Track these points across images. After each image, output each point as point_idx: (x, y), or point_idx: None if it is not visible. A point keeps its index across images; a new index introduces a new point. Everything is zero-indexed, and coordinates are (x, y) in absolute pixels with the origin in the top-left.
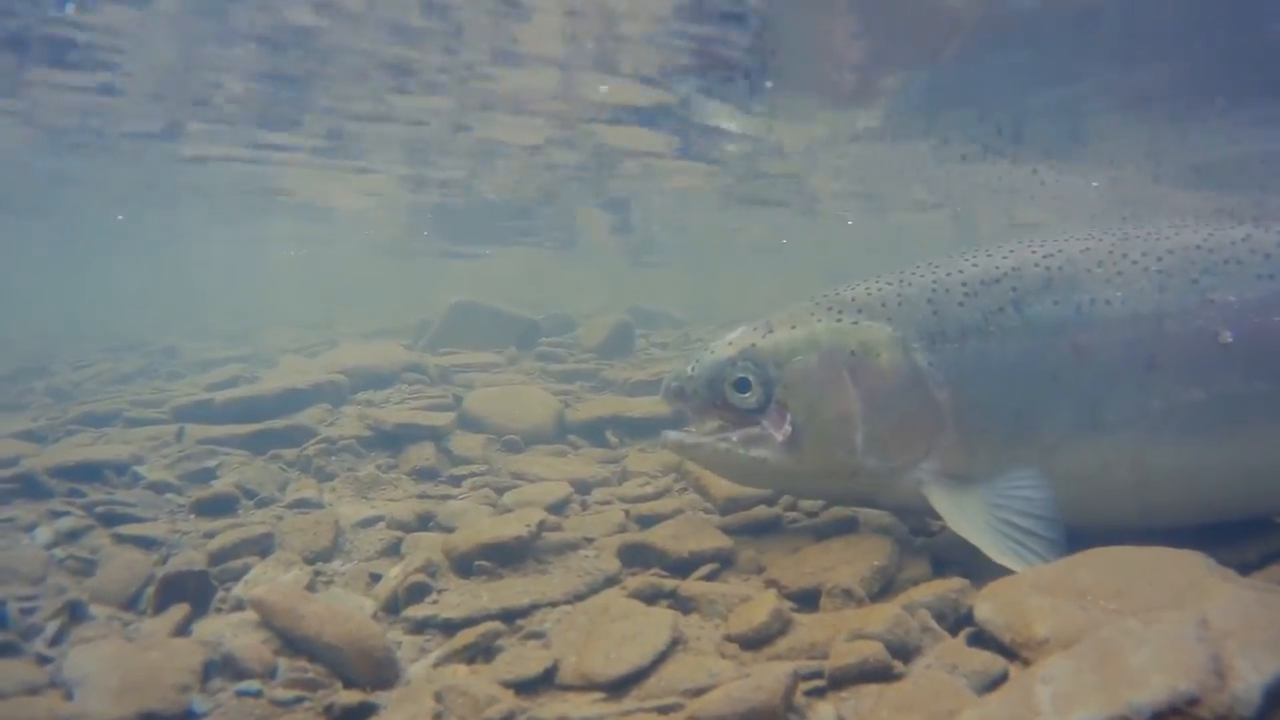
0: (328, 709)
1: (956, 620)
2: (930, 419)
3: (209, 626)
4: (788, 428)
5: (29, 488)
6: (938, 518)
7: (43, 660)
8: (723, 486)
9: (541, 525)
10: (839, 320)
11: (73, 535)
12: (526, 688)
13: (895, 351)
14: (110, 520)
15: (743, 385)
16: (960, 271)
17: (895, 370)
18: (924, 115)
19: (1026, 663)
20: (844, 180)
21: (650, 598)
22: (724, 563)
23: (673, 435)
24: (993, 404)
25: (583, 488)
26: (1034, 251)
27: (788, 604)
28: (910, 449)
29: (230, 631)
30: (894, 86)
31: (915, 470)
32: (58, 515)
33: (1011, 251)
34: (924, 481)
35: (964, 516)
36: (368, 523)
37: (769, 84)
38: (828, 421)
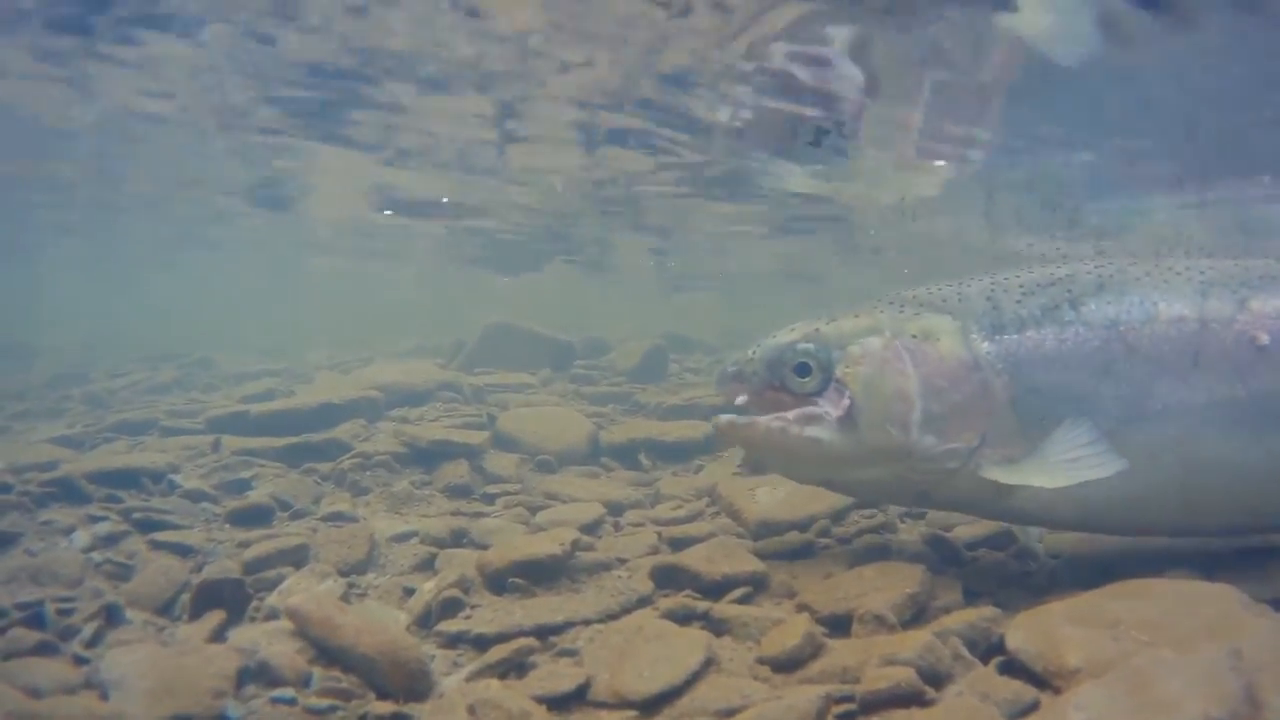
0: (361, 719)
1: (988, 648)
2: (987, 404)
3: (244, 634)
4: (846, 401)
5: (67, 492)
6: (992, 516)
7: (79, 661)
8: (755, 510)
9: (575, 544)
10: (901, 311)
11: (110, 540)
12: (559, 704)
13: (955, 338)
14: (147, 526)
15: (803, 369)
16: (1017, 277)
17: (955, 355)
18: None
19: (1057, 692)
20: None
21: (683, 619)
22: (757, 586)
23: (724, 417)
24: (1049, 391)
25: (615, 509)
26: (1085, 264)
27: (820, 628)
28: (966, 431)
29: (265, 639)
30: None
31: (972, 458)
32: (95, 520)
33: (1065, 262)
34: (982, 466)
35: (1020, 473)
36: (402, 537)
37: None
38: (886, 398)
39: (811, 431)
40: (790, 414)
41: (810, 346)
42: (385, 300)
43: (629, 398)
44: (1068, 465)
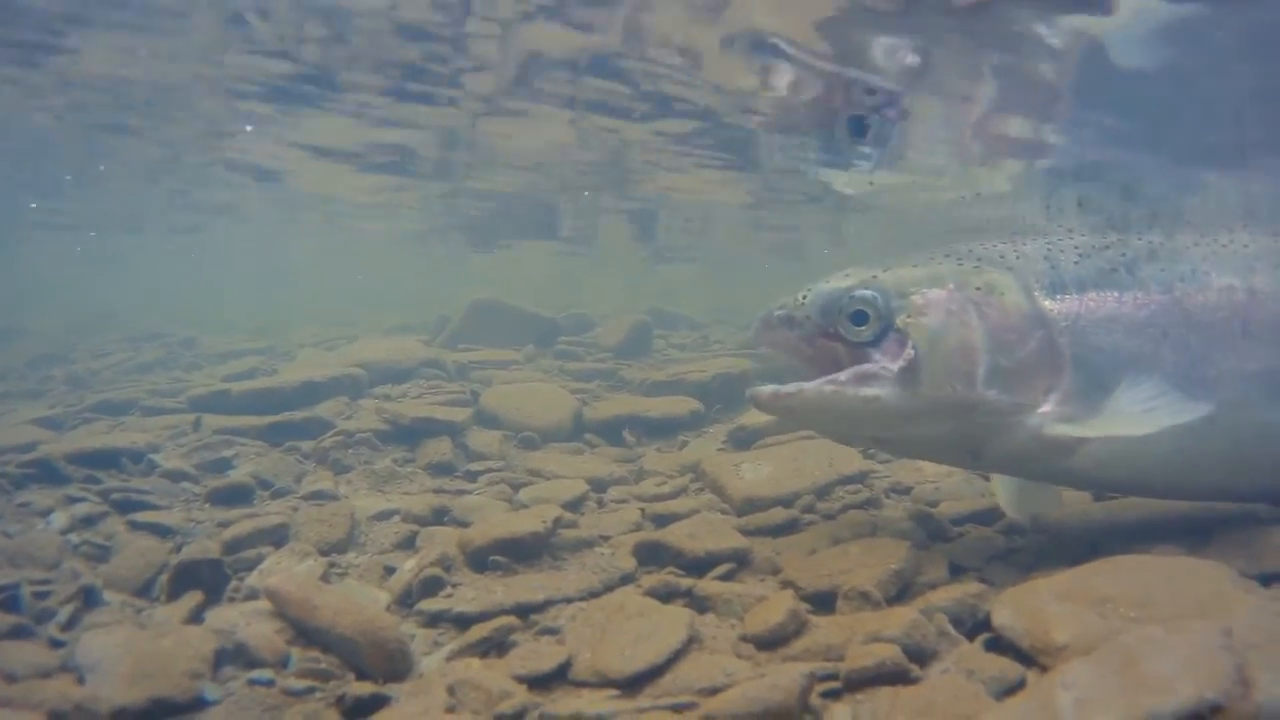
0: (340, 699)
1: (974, 625)
2: (1051, 360)
3: (222, 615)
4: (910, 351)
5: (46, 473)
6: (1043, 477)
7: (55, 644)
8: (740, 486)
9: (557, 522)
10: (961, 264)
11: (88, 521)
12: (540, 683)
13: (1019, 294)
14: (125, 507)
15: (860, 317)
16: (1070, 239)
17: (1019, 310)
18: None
19: (1044, 669)
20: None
21: (666, 596)
22: (740, 563)
23: (765, 389)
24: (1110, 351)
25: (599, 486)
26: (1135, 234)
27: (804, 605)
28: (1031, 387)
29: (243, 620)
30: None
31: (1032, 415)
32: (74, 501)
33: (1114, 231)
34: (1045, 424)
35: (1094, 426)
36: (383, 516)
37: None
38: (950, 350)
39: (868, 390)
40: (842, 375)
41: (869, 293)
42: (370, 278)
43: (613, 374)
44: (1146, 415)
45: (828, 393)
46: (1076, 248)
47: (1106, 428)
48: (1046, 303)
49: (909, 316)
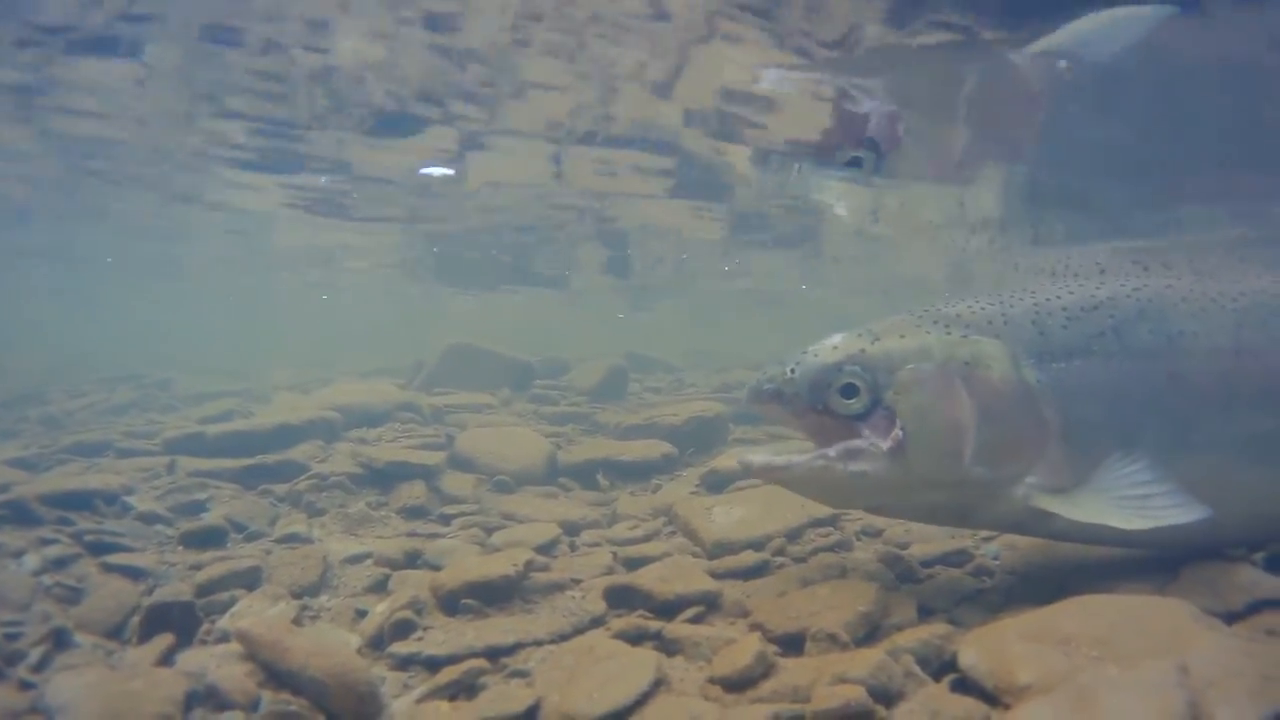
0: None
1: (940, 666)
2: (1038, 433)
3: (193, 657)
4: (897, 433)
5: (18, 515)
6: (1030, 534)
7: (26, 686)
8: (711, 530)
9: (529, 565)
10: (948, 333)
11: (60, 563)
12: None
13: (1007, 366)
14: (98, 549)
15: (849, 390)
16: (1059, 298)
17: (1007, 383)
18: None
19: (1008, 709)
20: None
21: (635, 639)
22: (710, 606)
23: (757, 459)
24: (1097, 422)
25: (572, 529)
26: (1123, 285)
27: (772, 648)
28: (1017, 461)
29: (214, 663)
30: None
31: (1020, 485)
32: (46, 543)
33: (1102, 283)
34: (1031, 496)
35: (1081, 509)
36: (356, 559)
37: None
38: (938, 429)
39: (857, 466)
40: (832, 451)
41: (858, 369)
42: (349, 321)
43: (588, 418)
44: (1140, 505)
45: (817, 468)
46: (1064, 309)
47: (1099, 515)
48: (1034, 374)
49: (896, 393)
